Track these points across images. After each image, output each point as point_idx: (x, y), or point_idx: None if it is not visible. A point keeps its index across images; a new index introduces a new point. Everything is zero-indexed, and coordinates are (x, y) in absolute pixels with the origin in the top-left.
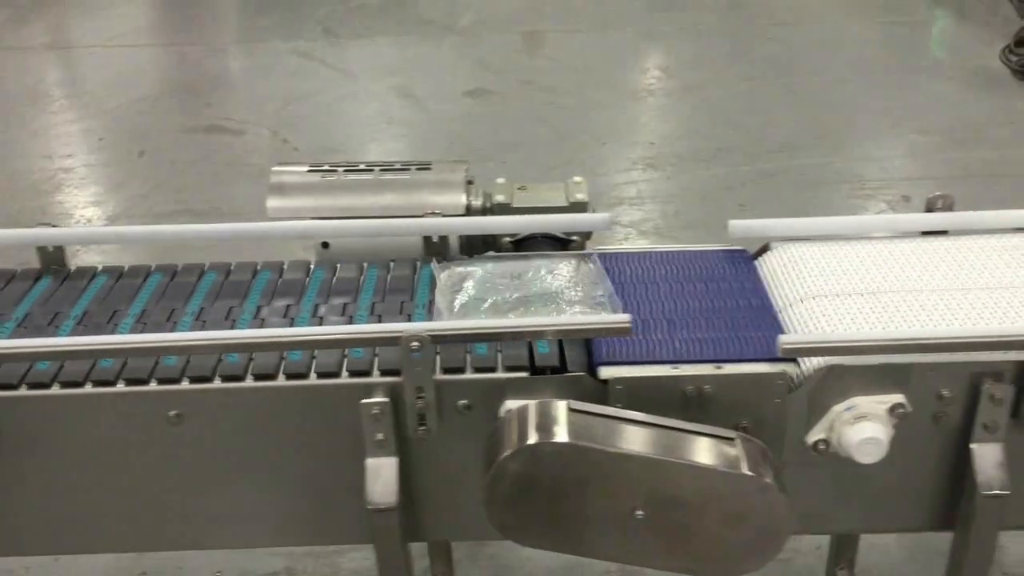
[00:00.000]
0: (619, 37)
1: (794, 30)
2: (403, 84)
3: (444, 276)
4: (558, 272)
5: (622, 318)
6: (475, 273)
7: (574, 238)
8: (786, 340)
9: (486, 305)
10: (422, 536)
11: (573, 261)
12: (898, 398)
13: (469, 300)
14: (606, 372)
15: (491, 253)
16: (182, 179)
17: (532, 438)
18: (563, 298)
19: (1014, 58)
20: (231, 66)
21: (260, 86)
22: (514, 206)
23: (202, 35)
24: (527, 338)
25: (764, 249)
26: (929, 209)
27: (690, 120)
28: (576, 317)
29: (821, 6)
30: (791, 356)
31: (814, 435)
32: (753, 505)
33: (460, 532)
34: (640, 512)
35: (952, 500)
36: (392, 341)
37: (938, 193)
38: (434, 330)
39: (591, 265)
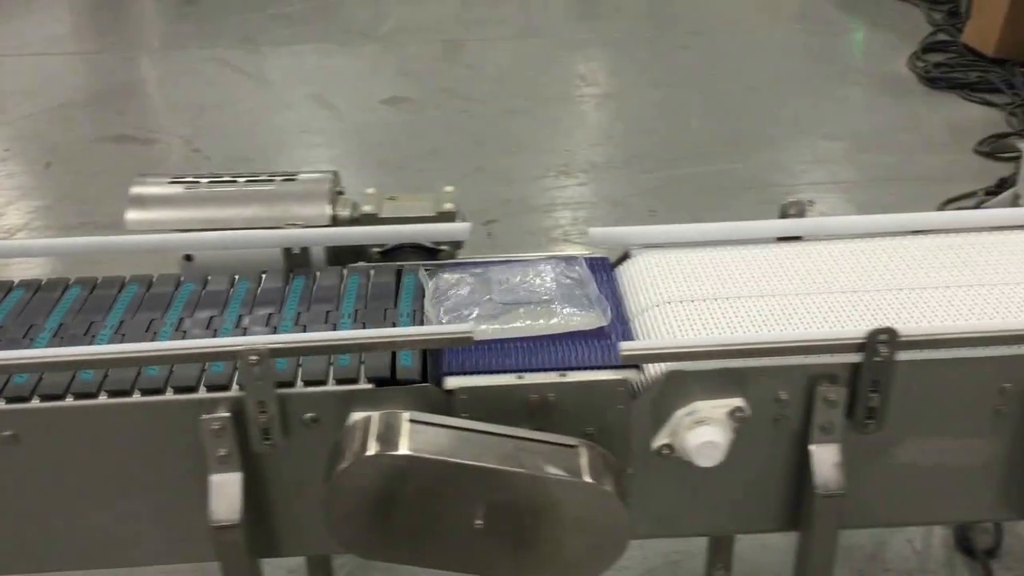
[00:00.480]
0: (538, 45)
1: (709, 38)
2: (321, 92)
3: (432, 284)
4: (544, 276)
5: (464, 328)
6: (463, 280)
7: (443, 248)
8: (626, 347)
9: (475, 312)
10: (272, 552)
11: (560, 265)
12: (737, 402)
13: (456, 307)
14: (451, 382)
15: (479, 259)
16: (87, 191)
17: (369, 450)
18: (553, 301)
19: (921, 64)
20: (146, 74)
21: (175, 94)
22: (382, 216)
23: (118, 43)
24: (362, 350)
25: (625, 256)
26: (783, 215)
27: (605, 127)
28: (418, 328)
29: (737, 14)
30: (631, 363)
31: (658, 440)
32: (593, 512)
33: (311, 547)
34: (480, 522)
35: (796, 501)
36: (230, 356)
37: (791, 199)
38: (273, 344)
39: (577, 268)
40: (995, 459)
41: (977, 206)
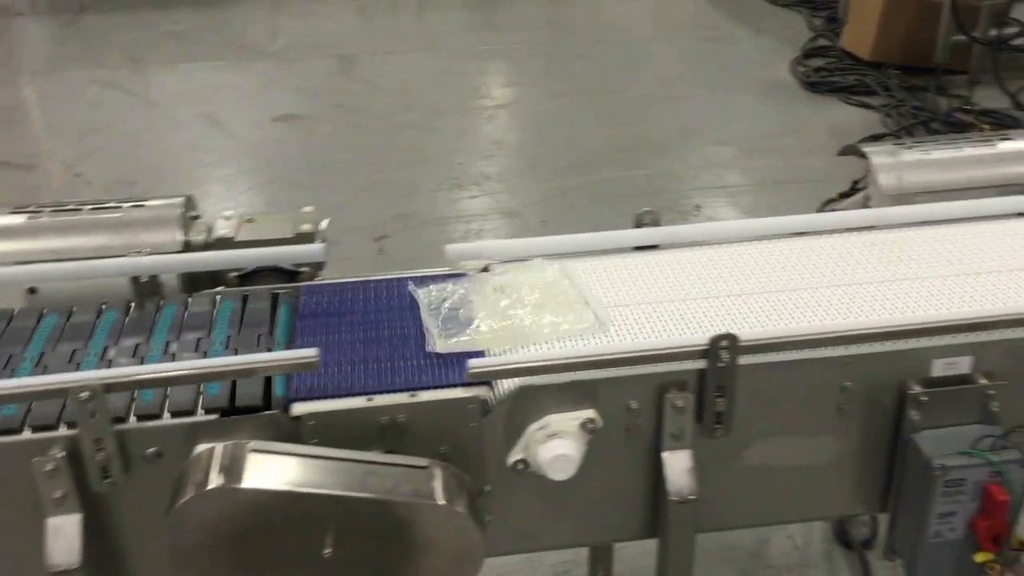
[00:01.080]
0: (434, 58)
1: (604, 47)
2: (211, 111)
3: (423, 296)
4: (539, 280)
5: (309, 352)
6: (456, 291)
7: (303, 269)
8: (475, 364)
9: (477, 323)
10: None
11: (556, 267)
12: (589, 413)
13: (456, 319)
14: (298, 408)
15: (471, 267)
16: None
17: (211, 483)
18: (556, 302)
19: (802, 69)
20: (27, 97)
21: (57, 118)
22: (237, 240)
23: None
24: (203, 380)
25: (485, 271)
26: (639, 224)
27: (500, 138)
28: (260, 355)
29: (630, 24)
30: (480, 380)
31: (513, 455)
32: (447, 533)
33: None
34: (329, 551)
35: (654, 507)
36: (59, 394)
37: (645, 209)
38: (106, 379)
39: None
40: (842, 456)
41: (823, 208)
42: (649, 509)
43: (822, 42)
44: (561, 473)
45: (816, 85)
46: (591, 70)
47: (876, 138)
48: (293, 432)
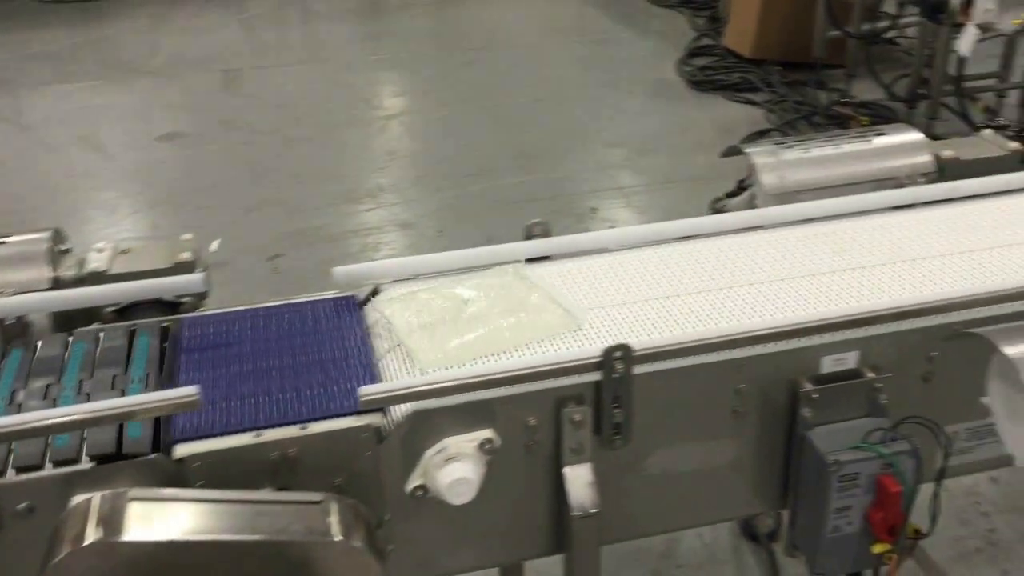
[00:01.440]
0: (323, 70)
1: (494, 54)
2: (89, 133)
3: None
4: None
5: (189, 391)
6: (414, 300)
7: (185, 300)
8: (366, 391)
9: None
10: None
11: (509, 271)
12: (487, 433)
13: (427, 333)
14: (181, 450)
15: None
16: None
17: (87, 538)
18: (526, 307)
19: (688, 69)
20: None
21: None
22: (111, 273)
23: None
24: (80, 427)
25: (375, 292)
26: (528, 236)
27: (392, 150)
28: (137, 398)
29: (517, 30)
30: (372, 407)
31: (411, 482)
32: (345, 568)
33: None
34: None
35: (559, 523)
36: None
37: (535, 221)
38: None
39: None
40: (740, 457)
41: (717, 210)
42: (553, 525)
43: (706, 41)
44: (461, 497)
45: (702, 84)
46: (481, 77)
47: (761, 134)
48: (178, 476)
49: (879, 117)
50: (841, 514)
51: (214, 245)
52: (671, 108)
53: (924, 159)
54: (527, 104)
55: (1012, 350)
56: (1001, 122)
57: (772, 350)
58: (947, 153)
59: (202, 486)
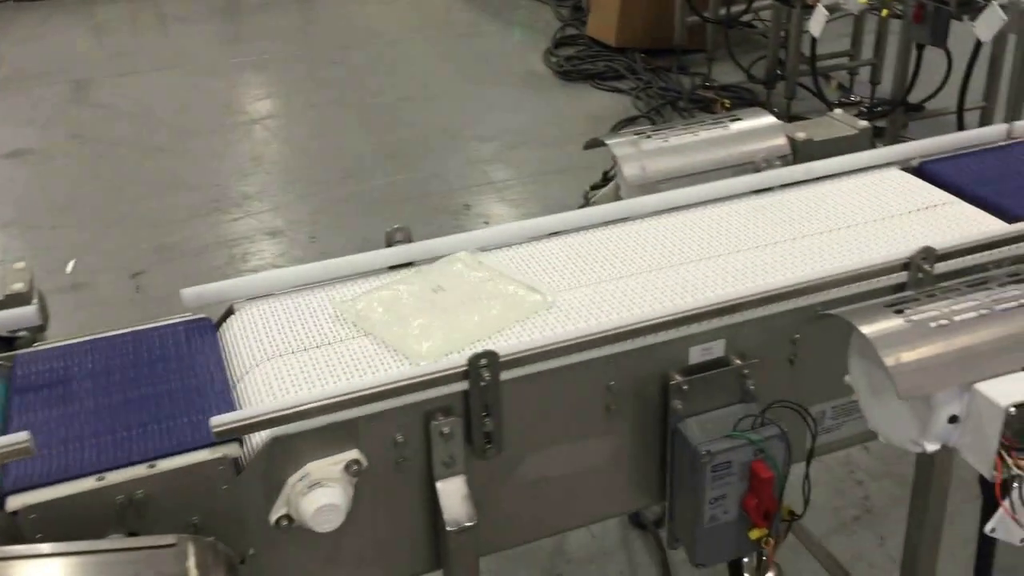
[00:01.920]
0: (179, 76)
1: (359, 51)
2: None
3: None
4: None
5: (20, 437)
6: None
7: (21, 335)
8: (217, 422)
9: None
10: None
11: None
12: (352, 454)
13: (407, 326)
14: (14, 502)
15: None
16: None
17: None
18: (498, 291)
19: (555, 59)
20: None
21: None
22: None
23: None
24: None
25: (229, 313)
26: (389, 243)
27: (258, 155)
28: None
29: (383, 26)
30: (226, 438)
31: (275, 513)
32: None
33: None
34: None
35: (437, 539)
36: None
37: (396, 227)
38: None
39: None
40: (617, 454)
41: (586, 196)
42: (431, 541)
43: (571, 31)
44: (327, 524)
45: (569, 74)
46: (348, 76)
47: (630, 121)
48: (12, 530)
49: (740, 99)
50: (717, 503)
51: (69, 267)
52: (540, 99)
53: (779, 142)
54: (395, 102)
55: (868, 329)
56: (854, 98)
57: (640, 345)
58: (800, 135)
59: (40, 540)
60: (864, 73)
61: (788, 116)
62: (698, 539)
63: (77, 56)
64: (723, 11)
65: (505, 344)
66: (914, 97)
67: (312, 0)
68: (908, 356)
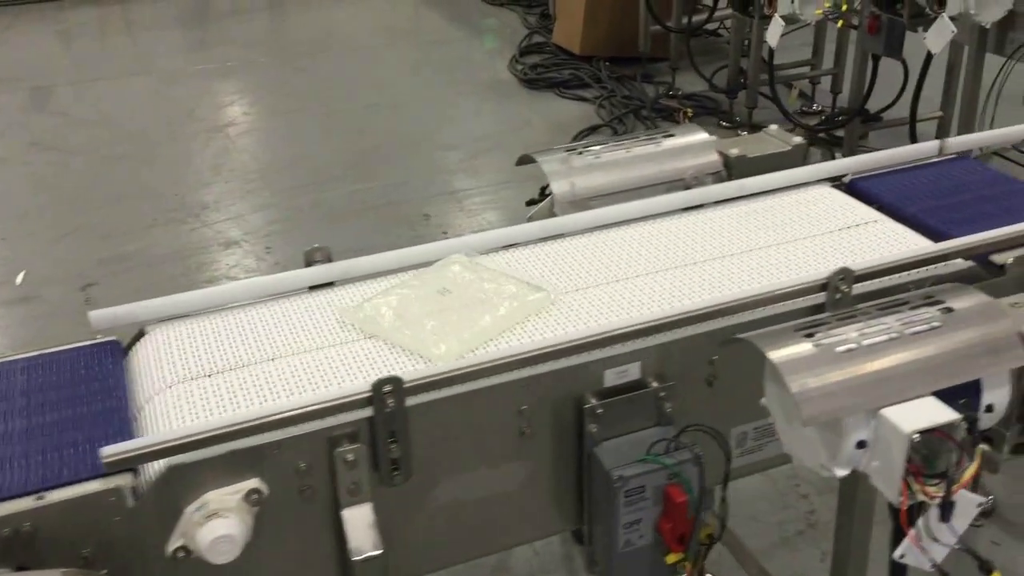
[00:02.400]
0: (142, 83)
1: (325, 59)
2: None
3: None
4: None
5: None
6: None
7: None
8: (109, 452)
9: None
10: None
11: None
12: (253, 483)
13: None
14: None
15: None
16: None
17: None
18: (501, 291)
19: (520, 67)
20: None
21: None
22: None
23: None
24: None
25: (140, 335)
26: (309, 263)
27: (218, 164)
28: None
29: (351, 33)
30: (118, 468)
31: (172, 543)
32: None
33: None
34: None
35: (345, 568)
36: None
37: (316, 246)
38: None
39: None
40: (533, 479)
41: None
42: (341, 571)
43: (537, 39)
44: (223, 556)
45: (534, 82)
46: (313, 83)
47: (592, 129)
48: None
49: (703, 108)
50: (632, 528)
51: (19, 278)
52: (504, 108)
53: (711, 159)
54: (360, 110)
55: (775, 354)
56: (816, 107)
57: (552, 368)
58: (734, 151)
59: None
60: (826, 83)
61: (750, 125)
62: (614, 564)
63: (40, 62)
64: (685, 20)
65: (411, 369)
66: (874, 107)
67: (282, 7)
68: (813, 382)
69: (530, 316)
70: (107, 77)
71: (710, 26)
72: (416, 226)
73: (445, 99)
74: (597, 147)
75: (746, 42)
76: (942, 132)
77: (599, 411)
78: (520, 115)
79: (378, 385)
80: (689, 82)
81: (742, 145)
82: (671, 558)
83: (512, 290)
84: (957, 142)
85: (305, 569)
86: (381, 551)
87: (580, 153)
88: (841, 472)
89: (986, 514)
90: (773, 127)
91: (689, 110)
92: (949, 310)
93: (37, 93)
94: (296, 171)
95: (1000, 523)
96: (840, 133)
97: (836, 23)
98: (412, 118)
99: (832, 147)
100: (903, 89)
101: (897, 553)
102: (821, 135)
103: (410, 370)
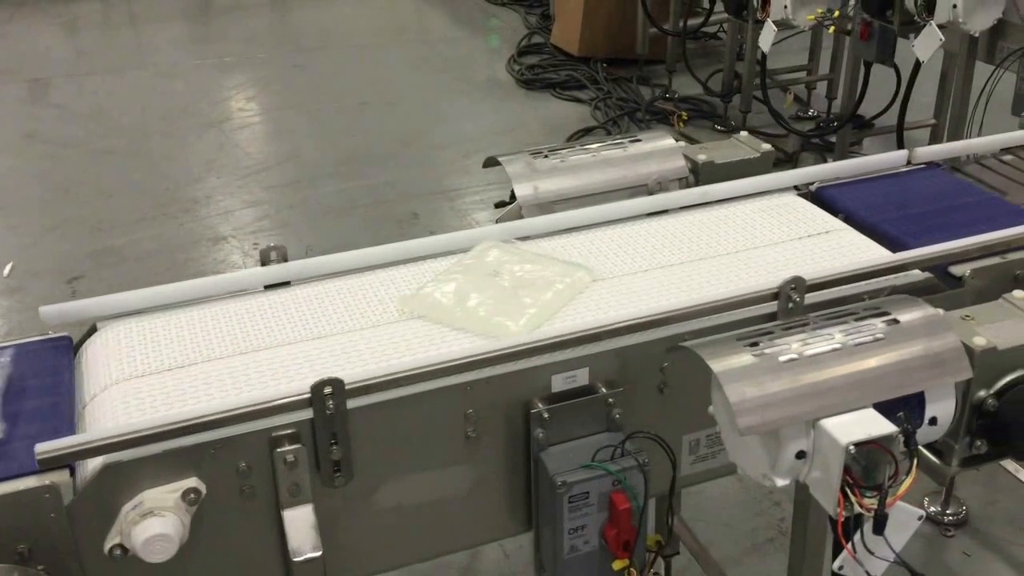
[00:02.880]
0: (140, 77)
1: (323, 55)
2: None
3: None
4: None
5: None
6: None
7: None
8: (43, 448)
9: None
10: None
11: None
12: (191, 482)
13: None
14: None
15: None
16: None
17: None
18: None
19: (517, 67)
20: None
21: None
22: None
23: None
24: None
25: (92, 331)
26: (264, 262)
27: (211, 159)
28: None
29: (351, 30)
30: (53, 465)
31: (109, 541)
32: None
33: None
34: None
35: (286, 570)
36: None
37: (271, 244)
38: None
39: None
40: (480, 482)
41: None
42: (284, 572)
43: (537, 39)
44: (159, 555)
45: (531, 82)
46: (310, 80)
47: (587, 131)
48: None
49: (698, 111)
50: (576, 534)
51: (6, 270)
52: (500, 108)
53: (677, 164)
54: (355, 107)
55: (716, 363)
56: (811, 112)
57: (497, 373)
58: (702, 157)
59: None
60: (822, 88)
61: (744, 129)
62: (559, 569)
63: (39, 55)
64: (682, 24)
65: (352, 372)
66: (870, 114)
67: (285, 2)
68: (752, 391)
69: (582, 292)
70: (105, 71)
71: (710, 29)
72: (404, 225)
73: (441, 98)
74: (563, 150)
75: (741, 46)
76: (935, 139)
77: (545, 416)
78: (515, 115)
79: (317, 387)
80: (685, 85)
81: (710, 151)
82: (617, 564)
83: (557, 270)
84: (925, 152)
85: (247, 569)
86: (321, 552)
87: (546, 156)
88: (781, 482)
89: (958, 525)
90: (743, 133)
91: (684, 113)
92: (895, 322)
93: (35, 86)
94: (288, 168)
95: (972, 534)
96: (834, 139)
97: (828, 29)
98: (407, 117)
99: (825, 153)
100: (895, 96)
101: (836, 565)
102: (815, 140)
103: (350, 372)
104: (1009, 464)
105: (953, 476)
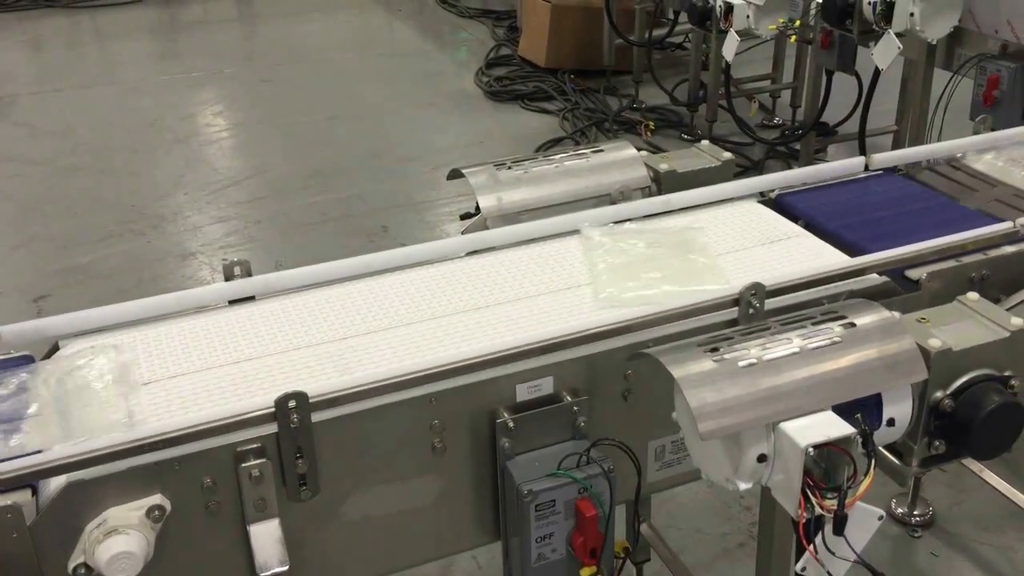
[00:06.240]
0: (106, 93)
1: (293, 69)
2: None
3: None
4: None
5: None
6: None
7: None
8: (4, 467)
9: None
10: None
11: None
12: (155, 499)
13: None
14: None
15: None
16: None
17: None
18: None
19: (485, 79)
20: None
21: None
22: None
23: None
24: None
25: (55, 350)
26: (228, 277)
27: (178, 175)
28: None
29: (321, 44)
30: (15, 485)
31: (73, 561)
32: None
33: None
34: None
35: None
36: None
37: (234, 259)
38: None
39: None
40: (448, 493)
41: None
42: None
43: (505, 51)
44: (124, 573)
45: (499, 94)
46: (278, 94)
47: (555, 141)
48: None
49: (665, 121)
50: (544, 542)
51: None
52: (468, 119)
53: (639, 174)
54: (323, 121)
55: (676, 369)
56: (776, 120)
57: (461, 383)
58: (663, 166)
59: None
60: (786, 96)
61: (710, 138)
62: None
63: (4, 72)
64: (647, 34)
65: (315, 385)
66: (832, 120)
67: (253, 17)
68: (712, 396)
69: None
70: (72, 87)
71: (675, 39)
72: (374, 237)
73: (409, 111)
74: (527, 162)
75: (706, 56)
76: (896, 145)
77: (511, 425)
78: (484, 127)
79: (282, 401)
80: (652, 95)
81: (672, 160)
82: (585, 572)
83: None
84: (882, 158)
85: None
86: (287, 567)
87: (509, 168)
88: (744, 486)
89: (925, 526)
90: (705, 143)
91: (651, 123)
92: (851, 325)
93: (0, 103)
94: (256, 183)
95: (939, 534)
96: (799, 146)
97: (790, 38)
98: (374, 130)
99: (791, 160)
100: (857, 103)
101: (799, 566)
102: (780, 148)
103: (316, 385)
104: (973, 464)
105: (917, 477)
